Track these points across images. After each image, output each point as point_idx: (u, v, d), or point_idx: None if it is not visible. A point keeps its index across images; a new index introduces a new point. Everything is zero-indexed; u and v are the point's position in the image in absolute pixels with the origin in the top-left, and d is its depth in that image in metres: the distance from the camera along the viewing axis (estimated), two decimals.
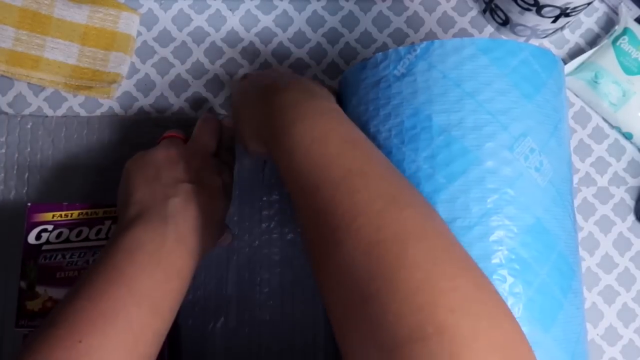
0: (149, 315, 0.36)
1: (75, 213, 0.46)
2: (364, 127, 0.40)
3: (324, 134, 0.34)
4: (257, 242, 0.51)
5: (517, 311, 0.35)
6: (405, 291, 0.27)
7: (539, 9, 0.50)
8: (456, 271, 0.28)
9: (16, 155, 0.52)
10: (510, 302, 0.35)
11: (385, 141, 0.39)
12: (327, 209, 0.31)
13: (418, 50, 0.39)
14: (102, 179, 0.52)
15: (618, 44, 0.54)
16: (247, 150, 0.43)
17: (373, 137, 0.39)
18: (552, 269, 0.37)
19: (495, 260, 0.36)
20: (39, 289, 0.44)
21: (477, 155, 0.37)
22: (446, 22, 0.57)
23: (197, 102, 0.54)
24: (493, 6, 0.54)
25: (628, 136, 0.55)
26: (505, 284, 0.35)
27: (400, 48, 0.39)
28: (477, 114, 0.38)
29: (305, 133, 0.34)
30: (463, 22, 0.57)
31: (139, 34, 0.55)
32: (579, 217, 0.54)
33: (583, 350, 0.38)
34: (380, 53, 0.40)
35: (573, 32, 0.57)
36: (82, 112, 0.54)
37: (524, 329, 0.31)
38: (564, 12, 0.50)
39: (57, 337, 0.33)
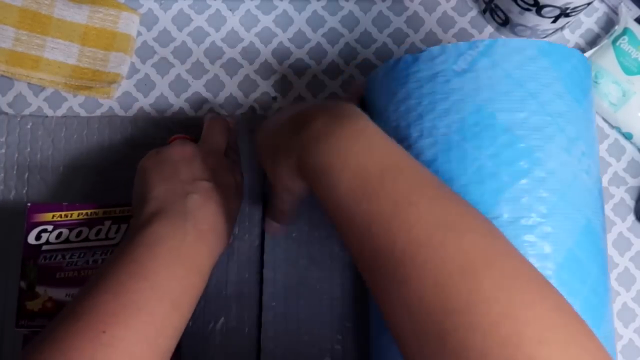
0: (169, 309, 0.36)
1: (75, 213, 0.46)
2: (415, 121, 0.39)
3: (362, 165, 0.32)
4: (257, 241, 0.51)
5: (575, 309, 0.36)
6: (486, 325, 0.26)
7: (539, 9, 0.50)
8: (534, 297, 0.27)
9: (16, 155, 0.52)
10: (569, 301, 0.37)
11: (443, 137, 0.38)
12: (384, 246, 0.30)
13: (481, 47, 0.39)
14: (102, 179, 0.52)
15: (618, 44, 0.54)
16: (285, 190, 0.40)
17: (429, 132, 0.39)
18: (599, 268, 0.38)
19: (557, 261, 0.36)
20: (39, 289, 0.44)
21: (539, 156, 0.37)
22: (446, 22, 0.57)
23: (197, 102, 0.54)
24: (493, 6, 0.54)
25: (628, 136, 0.55)
26: (565, 285, 0.36)
27: (461, 43, 0.39)
28: (539, 115, 0.38)
29: (344, 168, 0.32)
30: (463, 22, 0.57)
31: (139, 34, 0.55)
32: None
33: (615, 347, 0.40)
34: (436, 47, 0.40)
35: (573, 32, 0.57)
36: (82, 112, 0.54)
37: None
38: (564, 12, 0.50)
39: (79, 328, 0.33)
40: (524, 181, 0.37)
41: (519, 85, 0.38)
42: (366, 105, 0.45)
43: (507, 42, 0.39)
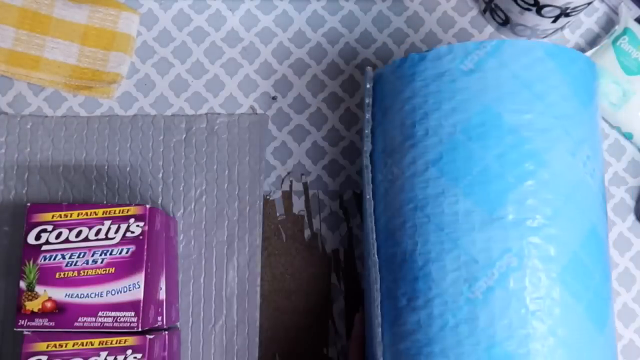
0: None
1: (75, 213, 0.46)
2: (421, 119, 0.39)
3: None
4: (257, 240, 0.51)
5: (579, 312, 0.36)
6: None
7: (539, 9, 0.50)
8: None
9: (16, 155, 0.52)
10: (572, 304, 0.36)
11: (449, 136, 0.38)
12: None
13: (488, 47, 0.39)
14: (102, 179, 0.52)
15: (618, 44, 0.54)
16: None
17: (434, 131, 0.39)
18: (603, 273, 0.38)
19: (561, 263, 0.36)
20: (39, 289, 0.44)
21: (545, 159, 0.37)
22: (446, 22, 0.57)
23: (197, 102, 0.54)
24: (493, 6, 0.54)
25: (628, 136, 0.55)
26: (569, 288, 0.36)
27: (468, 43, 0.39)
28: (545, 117, 0.38)
29: None
30: (463, 22, 0.57)
31: (139, 34, 0.55)
32: None
33: (616, 349, 0.40)
34: (443, 46, 0.40)
35: (573, 32, 0.57)
36: (82, 112, 0.54)
37: (586, 327, 0.32)
38: (564, 12, 0.50)
39: None
40: (529, 183, 0.37)
41: (526, 86, 0.38)
42: (374, 103, 0.45)
43: (514, 42, 0.39)
